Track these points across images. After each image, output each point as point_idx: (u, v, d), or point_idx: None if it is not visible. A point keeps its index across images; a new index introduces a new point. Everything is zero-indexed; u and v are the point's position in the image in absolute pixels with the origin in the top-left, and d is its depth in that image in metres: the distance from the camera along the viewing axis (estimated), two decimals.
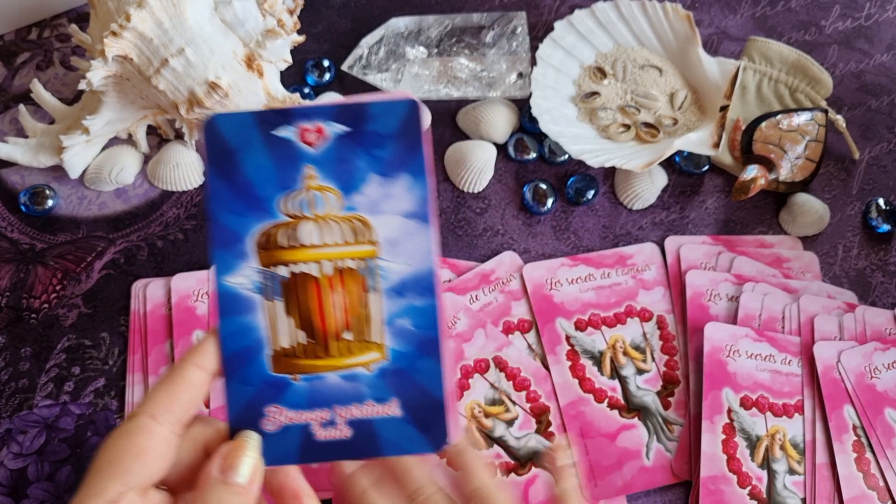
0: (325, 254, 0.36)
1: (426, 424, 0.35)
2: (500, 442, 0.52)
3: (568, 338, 0.55)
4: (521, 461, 0.51)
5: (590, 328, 0.56)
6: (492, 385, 0.54)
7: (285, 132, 0.35)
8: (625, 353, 0.55)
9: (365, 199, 0.35)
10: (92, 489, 0.32)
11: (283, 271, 0.35)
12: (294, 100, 0.60)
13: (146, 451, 0.33)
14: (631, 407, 0.53)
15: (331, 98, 0.65)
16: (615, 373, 0.54)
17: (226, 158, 0.35)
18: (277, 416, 0.35)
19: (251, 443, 0.35)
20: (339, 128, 0.35)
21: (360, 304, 0.36)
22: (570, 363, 0.54)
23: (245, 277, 0.35)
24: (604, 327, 0.56)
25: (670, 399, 0.53)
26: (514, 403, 0.53)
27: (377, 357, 0.36)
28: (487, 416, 0.53)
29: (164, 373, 0.35)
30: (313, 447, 0.35)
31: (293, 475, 0.36)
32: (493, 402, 0.53)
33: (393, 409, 0.35)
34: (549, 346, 0.54)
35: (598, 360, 0.54)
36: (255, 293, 0.35)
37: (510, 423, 0.52)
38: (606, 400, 0.53)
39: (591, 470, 0.51)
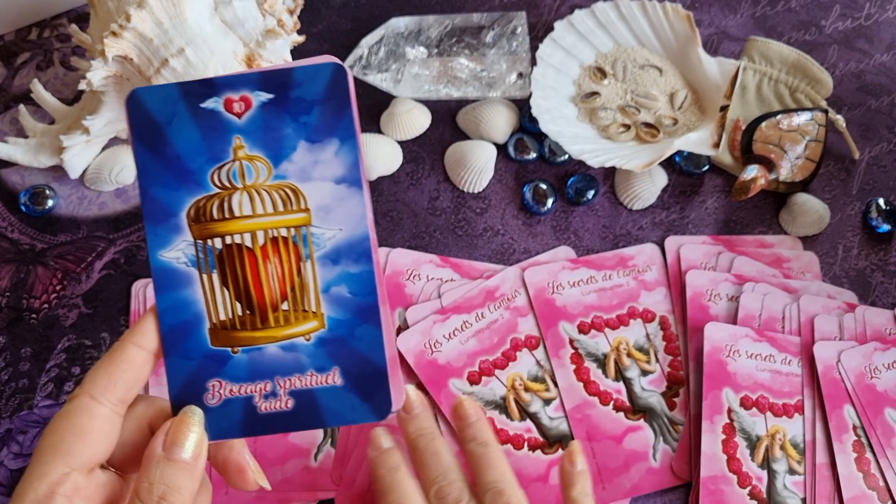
0: (258, 224, 0.35)
1: (368, 392, 0.35)
2: (534, 418, 0.53)
3: (571, 341, 0.55)
4: (550, 441, 0.52)
5: (593, 331, 0.55)
6: (538, 363, 0.54)
7: (211, 103, 0.35)
8: (629, 355, 0.55)
9: (295, 167, 0.35)
10: (35, 472, 0.32)
11: (217, 243, 0.35)
12: None
13: (88, 432, 0.33)
14: (636, 408, 0.53)
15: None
16: (620, 375, 0.54)
17: (152, 132, 0.35)
18: (219, 390, 0.35)
19: (194, 418, 0.34)
20: (265, 96, 0.35)
21: (296, 273, 0.35)
22: (574, 366, 0.54)
23: (179, 251, 0.35)
24: (607, 329, 0.56)
25: (675, 399, 0.53)
26: (555, 385, 0.54)
27: (315, 326, 0.35)
28: (527, 390, 0.53)
29: (105, 353, 0.35)
30: (256, 419, 0.35)
31: (238, 449, 0.36)
32: (536, 379, 0.54)
33: (334, 378, 0.35)
34: (553, 350, 0.54)
35: (602, 362, 0.54)
36: (190, 267, 0.35)
37: (547, 402, 0.53)
38: (612, 402, 0.53)
39: (598, 473, 0.51)
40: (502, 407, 0.53)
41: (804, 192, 0.62)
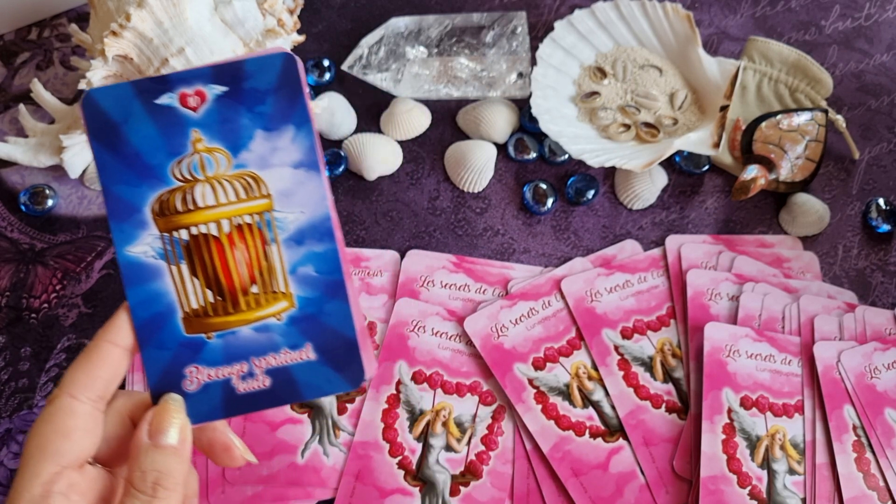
0: (222, 213, 0.36)
1: (341, 364, 0.36)
2: (597, 406, 0.53)
3: (616, 347, 0.55)
4: (611, 430, 0.52)
5: (636, 335, 0.55)
6: None
7: (166, 99, 0.36)
8: (674, 356, 0.55)
9: (253, 155, 0.36)
10: (27, 473, 0.33)
11: (183, 235, 0.36)
12: None
13: (72, 430, 0.33)
14: (688, 408, 0.53)
15: (334, 99, 0.65)
16: (668, 376, 0.54)
17: (110, 131, 0.36)
18: (197, 376, 0.36)
19: (175, 404, 0.35)
20: (219, 88, 0.36)
21: (262, 257, 0.36)
22: (622, 373, 0.54)
23: (146, 245, 0.36)
24: (649, 332, 0.56)
25: None
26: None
27: (286, 306, 0.36)
28: (591, 378, 0.54)
29: (81, 352, 0.35)
30: (236, 400, 0.36)
31: (221, 429, 0.37)
32: (597, 368, 0.54)
33: (308, 353, 0.36)
34: (600, 359, 0.54)
35: (648, 365, 0.54)
36: (158, 259, 0.36)
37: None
38: (663, 404, 0.53)
39: (659, 476, 0.51)
40: (565, 394, 0.53)
41: (804, 192, 0.62)
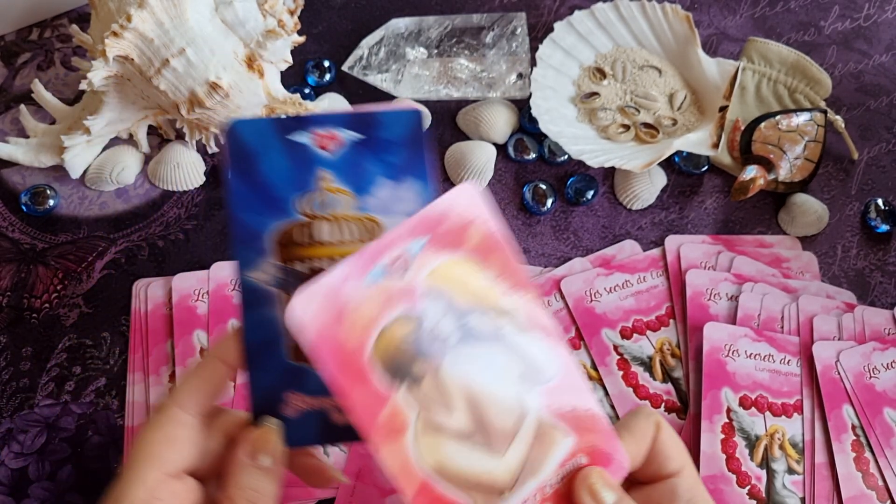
0: (340, 250, 0.37)
1: None
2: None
3: (615, 347, 0.55)
4: (686, 406, 0.53)
5: (635, 335, 0.56)
6: None
7: (302, 138, 0.37)
8: (673, 355, 0.55)
9: (376, 201, 0.38)
10: (132, 477, 0.34)
11: (300, 266, 0.37)
12: (295, 100, 0.60)
13: (177, 440, 0.35)
14: (688, 407, 0.53)
15: (335, 100, 0.65)
16: (667, 376, 0.54)
17: (246, 161, 0.37)
18: (297, 402, 0.37)
19: (274, 428, 0.36)
20: (352, 134, 0.38)
21: None
22: (622, 372, 0.54)
23: (265, 273, 0.37)
24: (648, 332, 0.56)
25: None
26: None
27: None
28: (590, 378, 0.54)
29: (192, 366, 0.37)
30: (330, 430, 0.37)
31: (313, 453, 0.39)
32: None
33: None
34: (599, 359, 0.55)
35: (648, 365, 0.55)
36: (274, 287, 0.37)
37: None
38: (663, 404, 0.54)
39: None
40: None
41: (803, 192, 0.62)
